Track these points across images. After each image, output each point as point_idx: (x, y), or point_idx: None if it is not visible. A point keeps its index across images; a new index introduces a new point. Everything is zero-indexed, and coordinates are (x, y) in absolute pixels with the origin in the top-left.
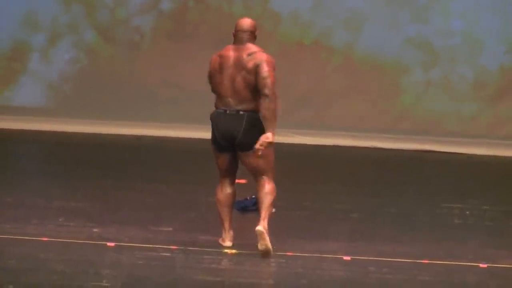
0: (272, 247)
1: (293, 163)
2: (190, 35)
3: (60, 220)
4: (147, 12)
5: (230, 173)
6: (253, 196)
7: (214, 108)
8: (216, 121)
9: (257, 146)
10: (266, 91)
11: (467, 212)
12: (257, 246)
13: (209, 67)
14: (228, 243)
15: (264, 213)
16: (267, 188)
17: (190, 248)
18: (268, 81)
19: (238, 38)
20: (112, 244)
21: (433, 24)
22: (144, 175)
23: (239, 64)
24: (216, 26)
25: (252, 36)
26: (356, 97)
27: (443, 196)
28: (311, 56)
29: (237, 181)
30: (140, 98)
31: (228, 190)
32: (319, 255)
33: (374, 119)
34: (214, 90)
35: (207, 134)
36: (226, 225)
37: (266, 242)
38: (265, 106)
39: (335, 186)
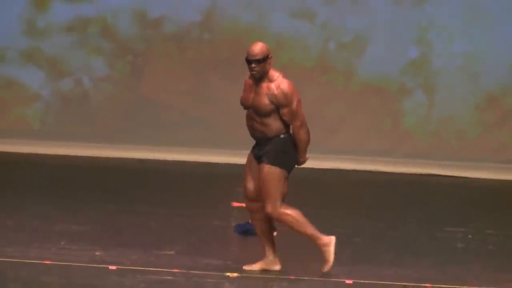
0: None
1: (296, 187)
2: (192, 58)
3: (62, 243)
4: (150, 35)
5: None
6: None
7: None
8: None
9: None
10: None
11: (470, 236)
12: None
13: (297, 95)
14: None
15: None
16: None
17: (192, 272)
18: None
19: None
20: (114, 267)
21: (435, 46)
22: (146, 199)
23: None
24: (219, 49)
25: None
26: (357, 120)
27: (445, 220)
28: (313, 78)
29: (236, 204)
30: (143, 122)
31: None
32: (322, 278)
33: (376, 142)
34: None
35: (209, 158)
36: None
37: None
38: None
39: (337, 210)
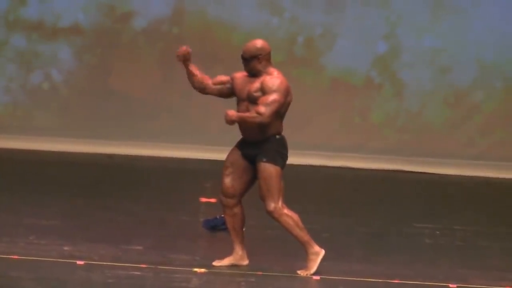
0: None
1: None
2: (162, 52)
3: (30, 238)
4: (119, 29)
5: None
6: (222, 215)
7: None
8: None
9: None
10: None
11: (438, 232)
12: None
13: (290, 94)
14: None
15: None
16: None
17: (160, 267)
18: None
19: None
20: (82, 262)
21: (404, 41)
22: (115, 194)
23: None
24: (188, 43)
25: None
26: (326, 116)
27: (414, 216)
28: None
29: (205, 200)
30: (112, 116)
31: None
32: (290, 274)
33: (344, 138)
34: (283, 115)
35: (178, 153)
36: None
37: None
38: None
39: (306, 206)
